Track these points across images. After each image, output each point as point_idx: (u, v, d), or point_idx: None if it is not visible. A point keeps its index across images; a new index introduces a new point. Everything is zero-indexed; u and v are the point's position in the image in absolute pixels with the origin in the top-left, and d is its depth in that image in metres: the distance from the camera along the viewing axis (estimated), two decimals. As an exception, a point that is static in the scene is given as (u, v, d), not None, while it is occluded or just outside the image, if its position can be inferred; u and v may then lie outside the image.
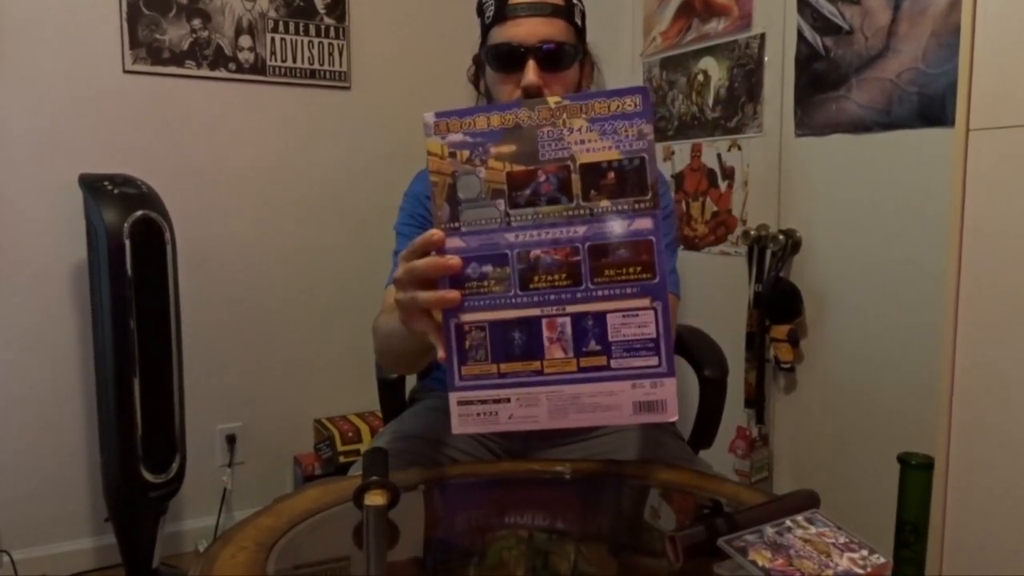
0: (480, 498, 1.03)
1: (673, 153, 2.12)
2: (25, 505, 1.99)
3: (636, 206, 0.68)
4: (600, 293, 0.69)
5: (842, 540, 0.73)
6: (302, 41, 2.23)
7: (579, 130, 0.69)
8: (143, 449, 1.74)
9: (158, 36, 2.05)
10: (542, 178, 0.70)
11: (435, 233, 0.72)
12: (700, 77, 2.03)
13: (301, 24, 2.22)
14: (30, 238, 1.96)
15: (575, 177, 0.69)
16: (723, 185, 1.98)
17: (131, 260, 1.69)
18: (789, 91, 1.77)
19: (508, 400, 0.72)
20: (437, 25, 2.38)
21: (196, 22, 2.09)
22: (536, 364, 0.71)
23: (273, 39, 2.19)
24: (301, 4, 2.21)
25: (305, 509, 0.89)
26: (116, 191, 1.74)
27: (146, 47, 2.03)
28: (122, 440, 1.73)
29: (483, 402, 0.72)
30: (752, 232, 1.85)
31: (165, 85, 2.07)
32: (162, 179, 1.91)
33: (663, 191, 1.25)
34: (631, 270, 0.68)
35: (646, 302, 0.68)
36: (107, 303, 1.70)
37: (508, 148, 0.70)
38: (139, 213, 1.71)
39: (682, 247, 2.09)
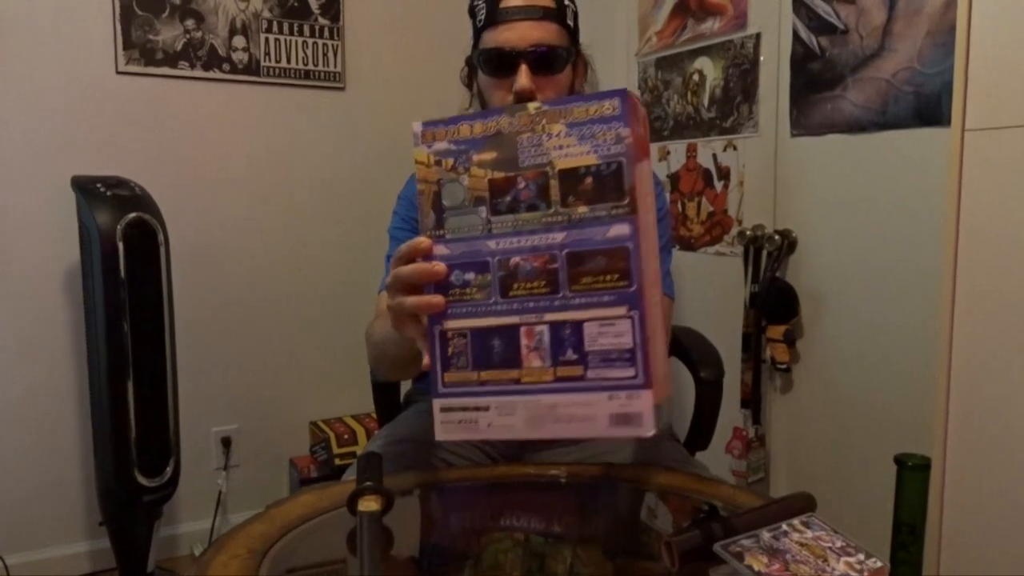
0: (475, 502, 1.03)
1: (669, 153, 2.12)
2: (19, 509, 1.98)
3: (613, 212, 0.67)
4: (577, 301, 0.68)
5: (839, 544, 0.73)
6: (296, 41, 2.22)
7: (557, 135, 0.68)
8: (137, 452, 1.73)
9: (151, 37, 2.04)
10: (522, 184, 0.69)
11: (423, 240, 0.73)
12: (695, 77, 2.02)
13: (295, 24, 2.21)
14: (23, 240, 1.95)
15: (553, 183, 0.69)
16: (719, 185, 1.97)
17: (124, 262, 1.68)
18: (784, 91, 1.77)
19: (487, 408, 0.71)
20: (432, 25, 2.38)
21: (189, 23, 2.08)
22: (514, 373, 0.70)
23: (267, 39, 2.18)
24: (295, 4, 2.20)
25: (298, 515, 0.88)
26: (109, 193, 1.73)
27: (139, 48, 2.02)
28: (116, 443, 1.72)
29: (464, 409, 0.72)
30: (748, 232, 1.85)
31: (159, 86, 2.06)
32: (155, 181, 1.90)
33: (658, 192, 1.25)
34: (608, 278, 0.67)
35: (622, 311, 0.66)
36: (100, 305, 1.69)
37: (489, 155, 0.71)
38: (132, 215, 1.70)
39: (678, 247, 2.09)
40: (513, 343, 0.70)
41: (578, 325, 0.67)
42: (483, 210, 0.71)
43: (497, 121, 0.70)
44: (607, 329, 0.66)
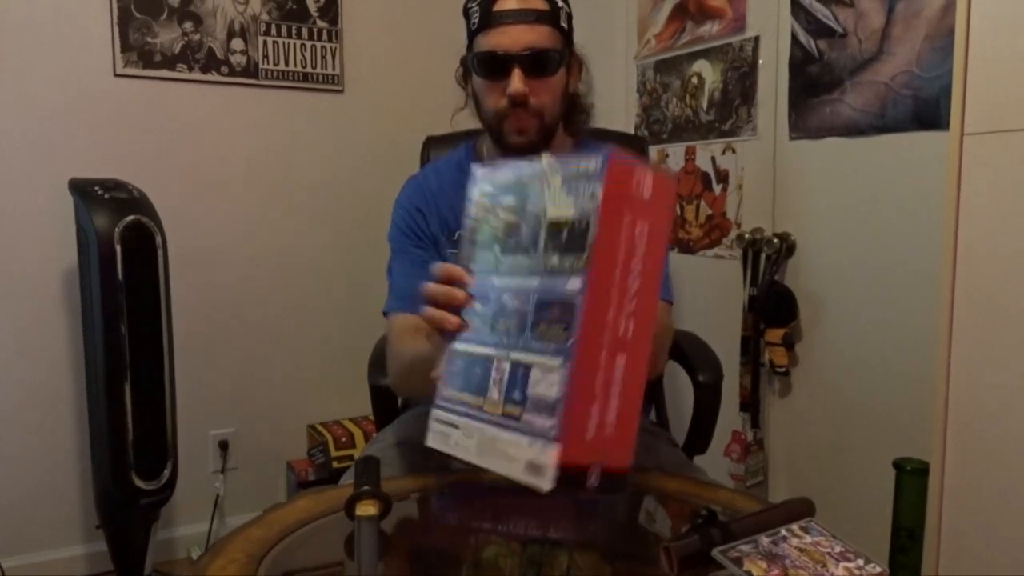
0: (473, 506, 1.03)
1: (667, 156, 2.12)
2: (15, 512, 1.98)
3: (574, 265, 0.68)
4: (532, 345, 0.70)
5: (838, 549, 0.72)
6: (295, 44, 2.22)
7: (555, 187, 0.72)
8: (134, 456, 1.72)
9: (149, 39, 2.03)
10: (524, 231, 0.74)
11: (461, 271, 0.81)
12: (694, 80, 2.03)
13: (294, 27, 2.21)
14: (20, 243, 1.94)
15: (543, 232, 0.72)
16: (717, 188, 1.97)
17: (122, 265, 1.68)
18: (783, 94, 1.77)
19: (457, 427, 0.76)
20: (430, 28, 2.38)
21: (188, 25, 2.07)
22: (480, 401, 0.74)
23: (265, 42, 2.18)
24: (294, 7, 2.20)
25: (296, 520, 0.88)
26: (107, 196, 1.73)
27: (137, 50, 2.02)
28: (113, 446, 1.72)
29: (445, 423, 0.77)
30: (747, 235, 1.84)
31: (156, 88, 2.06)
32: (153, 183, 1.90)
33: None
34: (556, 328, 0.68)
35: (557, 362, 0.67)
36: (98, 308, 1.69)
37: (511, 200, 0.77)
38: (130, 218, 1.70)
39: (676, 250, 2.09)
40: (486, 373, 0.74)
41: (528, 368, 0.70)
42: (497, 249, 0.77)
43: (523, 169, 0.76)
44: (544, 377, 0.68)
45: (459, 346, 0.79)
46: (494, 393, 0.72)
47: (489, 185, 0.80)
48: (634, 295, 0.68)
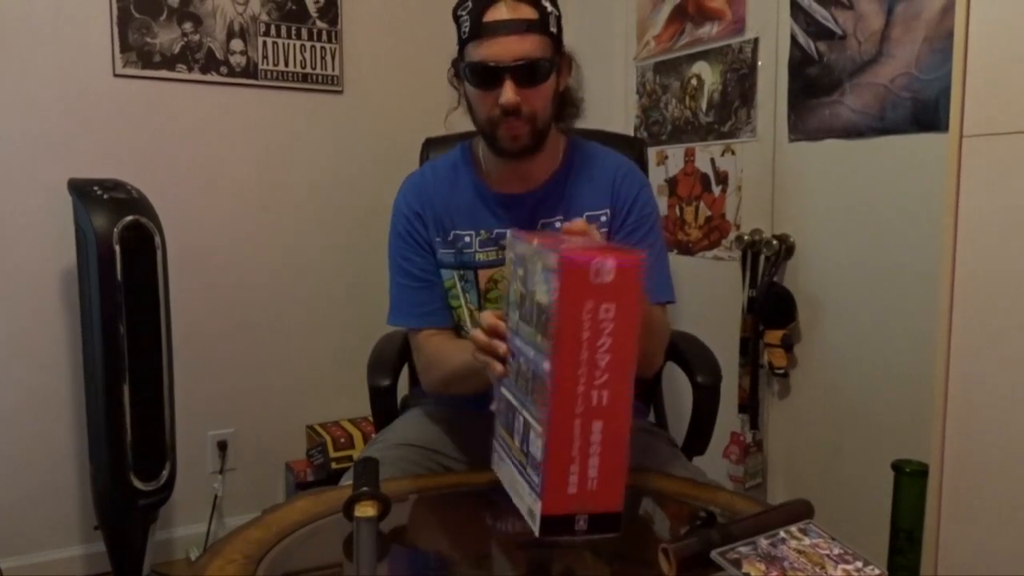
0: (472, 507, 1.03)
1: (667, 158, 2.12)
2: (14, 513, 1.97)
3: (547, 348, 0.75)
4: (531, 408, 0.79)
5: (836, 551, 0.72)
6: (294, 45, 2.21)
7: (538, 272, 0.78)
8: (133, 456, 1.72)
9: (149, 40, 2.03)
10: (528, 303, 0.81)
11: (502, 326, 0.90)
12: (694, 81, 2.03)
13: (293, 28, 2.21)
14: (19, 243, 1.94)
15: (535, 310, 0.79)
16: (717, 190, 1.97)
17: (121, 266, 1.68)
18: (782, 96, 1.77)
19: (503, 458, 0.88)
20: (430, 28, 2.37)
21: (187, 26, 2.07)
22: (511, 441, 0.84)
23: (265, 43, 2.18)
24: (293, 7, 2.20)
25: (295, 521, 0.88)
26: (106, 196, 1.73)
27: (137, 51, 2.02)
28: (112, 447, 1.72)
29: (497, 453, 0.90)
30: (746, 237, 1.85)
31: (156, 89, 2.06)
32: (152, 184, 1.90)
33: (645, 199, 1.25)
34: (540, 400, 0.76)
35: (541, 429, 0.75)
36: (97, 309, 1.69)
37: (522, 272, 0.84)
38: (129, 218, 1.70)
39: (676, 251, 2.09)
40: (515, 420, 0.84)
41: (529, 426, 0.79)
42: (518, 313, 0.85)
43: (528, 245, 0.83)
44: (536, 439, 0.76)
45: (502, 389, 0.88)
46: (516, 440, 0.82)
47: (512, 253, 0.87)
48: (605, 368, 0.74)
